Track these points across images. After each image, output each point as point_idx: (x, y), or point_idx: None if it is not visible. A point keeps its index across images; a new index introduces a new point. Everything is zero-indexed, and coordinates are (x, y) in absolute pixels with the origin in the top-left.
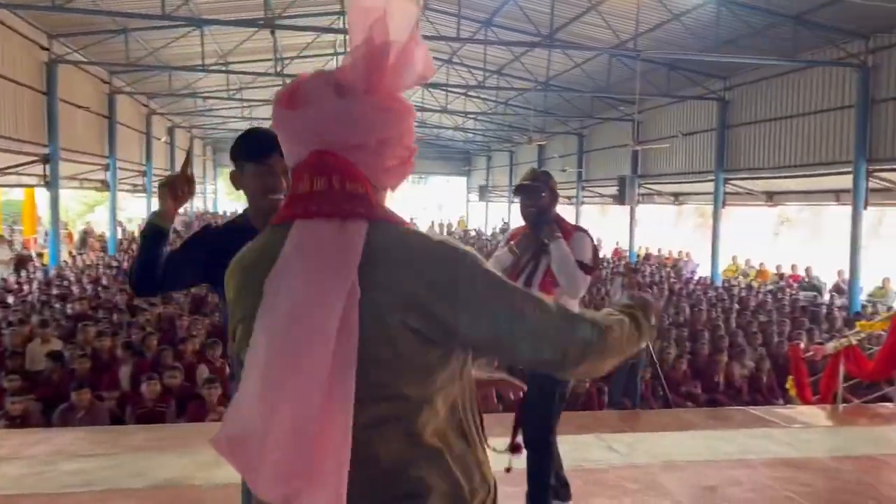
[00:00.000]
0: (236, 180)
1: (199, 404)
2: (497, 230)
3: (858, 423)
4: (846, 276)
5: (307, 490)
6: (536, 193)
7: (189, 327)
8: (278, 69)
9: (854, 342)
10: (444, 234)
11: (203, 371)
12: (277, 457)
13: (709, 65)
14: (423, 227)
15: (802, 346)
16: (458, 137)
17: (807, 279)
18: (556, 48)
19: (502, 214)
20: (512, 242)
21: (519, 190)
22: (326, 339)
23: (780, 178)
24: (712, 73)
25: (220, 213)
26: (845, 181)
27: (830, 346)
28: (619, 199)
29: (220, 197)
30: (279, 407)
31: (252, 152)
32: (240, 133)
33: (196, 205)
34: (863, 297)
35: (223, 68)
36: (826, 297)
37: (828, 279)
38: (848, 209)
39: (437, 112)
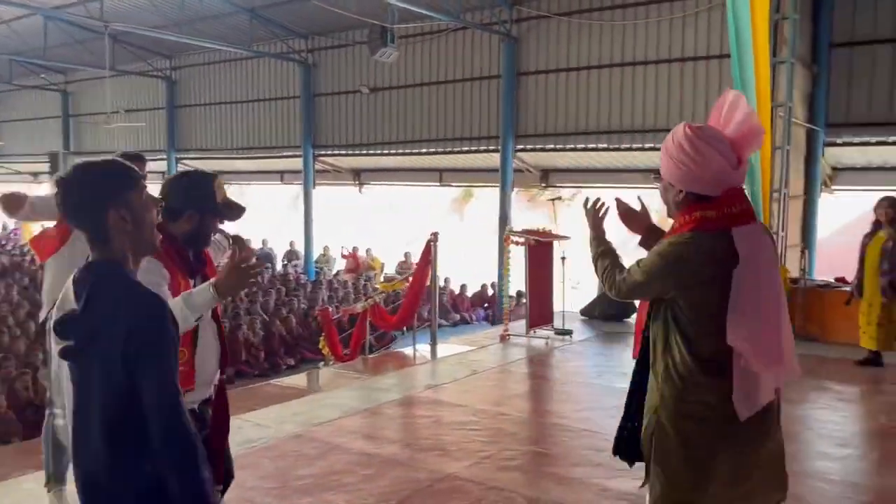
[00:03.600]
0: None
1: None
2: None
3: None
4: (298, 246)
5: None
6: None
7: None
8: None
9: (378, 301)
10: None
11: None
12: (785, 352)
13: (154, 42)
14: None
15: (331, 309)
16: None
17: (262, 249)
18: None
19: None
20: None
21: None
22: (782, 293)
23: (230, 159)
24: (159, 50)
25: None
26: (292, 163)
27: (359, 307)
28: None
29: None
30: (781, 327)
31: None
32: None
33: None
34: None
35: None
36: (279, 265)
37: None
38: (290, 187)
39: None
